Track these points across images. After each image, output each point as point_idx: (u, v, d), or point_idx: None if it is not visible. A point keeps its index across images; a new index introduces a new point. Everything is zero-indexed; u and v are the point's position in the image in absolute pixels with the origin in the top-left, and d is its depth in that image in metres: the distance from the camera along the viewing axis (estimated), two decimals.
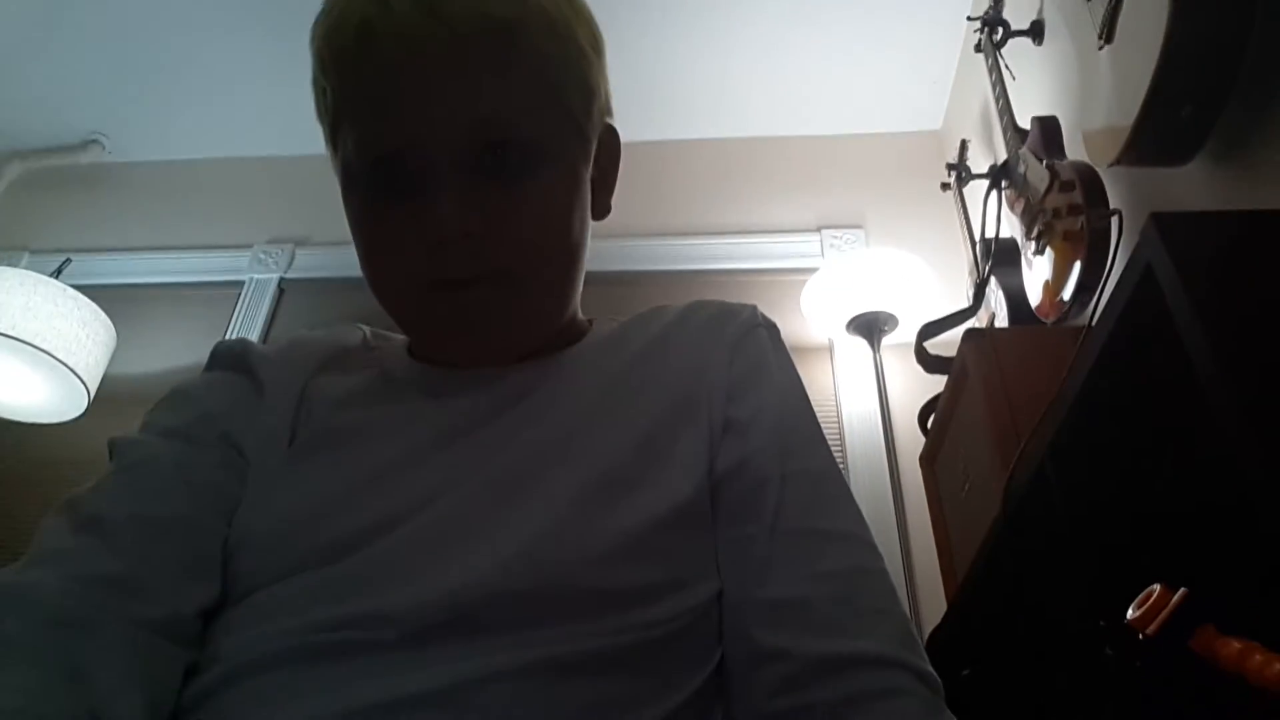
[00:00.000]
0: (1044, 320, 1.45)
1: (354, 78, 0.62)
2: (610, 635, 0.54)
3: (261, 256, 2.56)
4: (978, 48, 1.89)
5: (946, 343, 1.67)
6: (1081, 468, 0.98)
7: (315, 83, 0.66)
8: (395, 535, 0.57)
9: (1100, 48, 1.25)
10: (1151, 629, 0.72)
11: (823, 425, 0.69)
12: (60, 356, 2.04)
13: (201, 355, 0.74)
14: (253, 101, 2.62)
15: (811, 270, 2.19)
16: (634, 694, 0.53)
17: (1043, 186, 1.47)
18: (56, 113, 2.70)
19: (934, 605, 1.72)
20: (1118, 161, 1.18)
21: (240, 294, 2.49)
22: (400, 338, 0.77)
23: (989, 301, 1.78)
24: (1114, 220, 1.23)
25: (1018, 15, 1.82)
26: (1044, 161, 1.49)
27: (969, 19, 1.94)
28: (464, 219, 0.60)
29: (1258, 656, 0.64)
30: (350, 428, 0.66)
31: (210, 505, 0.62)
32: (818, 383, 2.14)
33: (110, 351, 2.22)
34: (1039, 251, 1.47)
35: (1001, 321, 1.72)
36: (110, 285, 2.44)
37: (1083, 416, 0.96)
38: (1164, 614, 0.71)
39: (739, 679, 0.58)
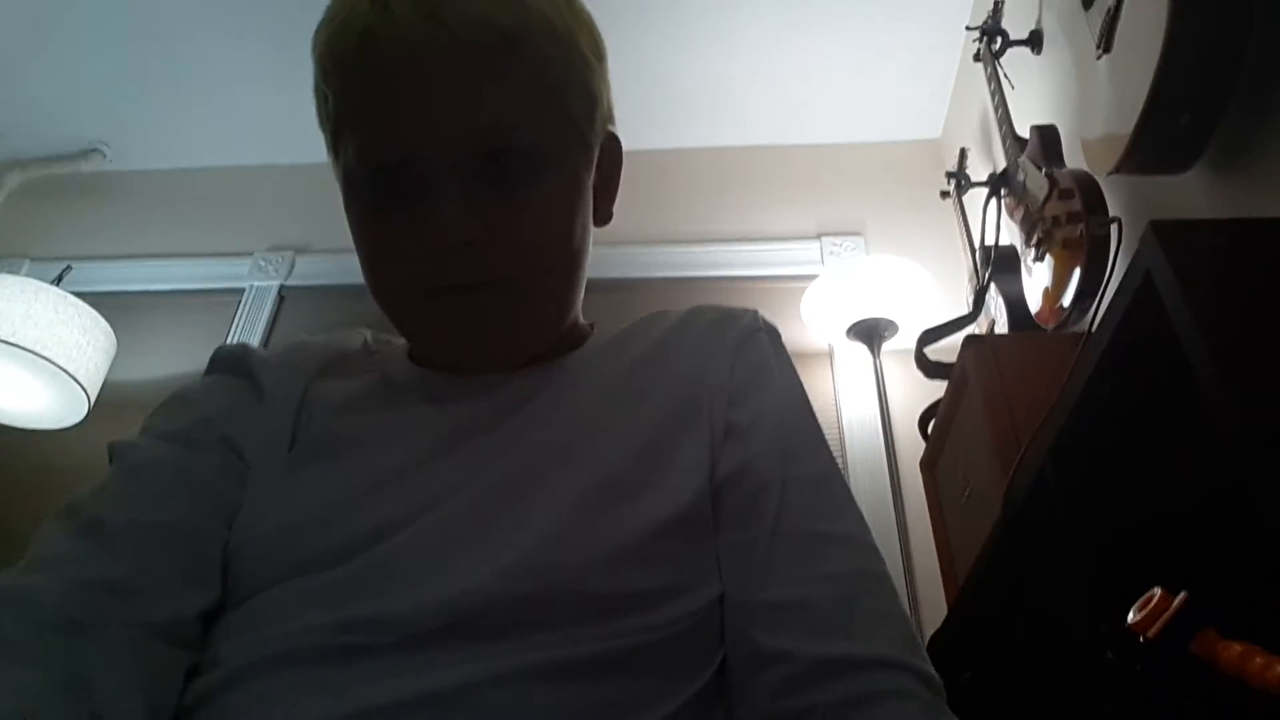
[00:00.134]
0: (1044, 327, 1.46)
1: (356, 85, 0.63)
2: (612, 639, 0.54)
3: (261, 264, 2.57)
4: (977, 57, 1.89)
5: (947, 349, 1.68)
6: (1081, 473, 0.98)
7: (317, 89, 0.66)
8: (396, 540, 0.57)
9: (1099, 57, 1.26)
10: (1152, 632, 0.72)
11: (823, 431, 0.69)
12: (61, 363, 2.04)
13: (202, 362, 0.74)
14: (253, 110, 2.62)
15: (811, 277, 2.19)
16: (635, 697, 0.53)
17: (1042, 194, 1.47)
18: (57, 122, 2.71)
19: (935, 609, 1.72)
20: (1117, 170, 1.18)
21: (240, 301, 2.49)
22: (401, 342, 0.77)
23: (989, 308, 1.78)
24: (1113, 228, 1.24)
25: (1016, 25, 1.83)
26: (1043, 170, 1.49)
27: (968, 28, 1.95)
28: (466, 226, 0.60)
29: (1259, 659, 0.64)
30: (351, 433, 0.66)
31: (210, 509, 0.62)
32: (818, 389, 2.14)
33: (110, 358, 2.22)
34: (1038, 259, 1.48)
35: (1001, 328, 1.72)
36: (111, 292, 2.45)
37: (1082, 422, 0.96)
38: (1165, 617, 0.71)
39: (740, 681, 0.58)
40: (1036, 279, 1.49)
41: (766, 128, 2.61)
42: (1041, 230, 1.47)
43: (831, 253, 2.40)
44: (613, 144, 0.74)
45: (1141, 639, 0.73)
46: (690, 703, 0.55)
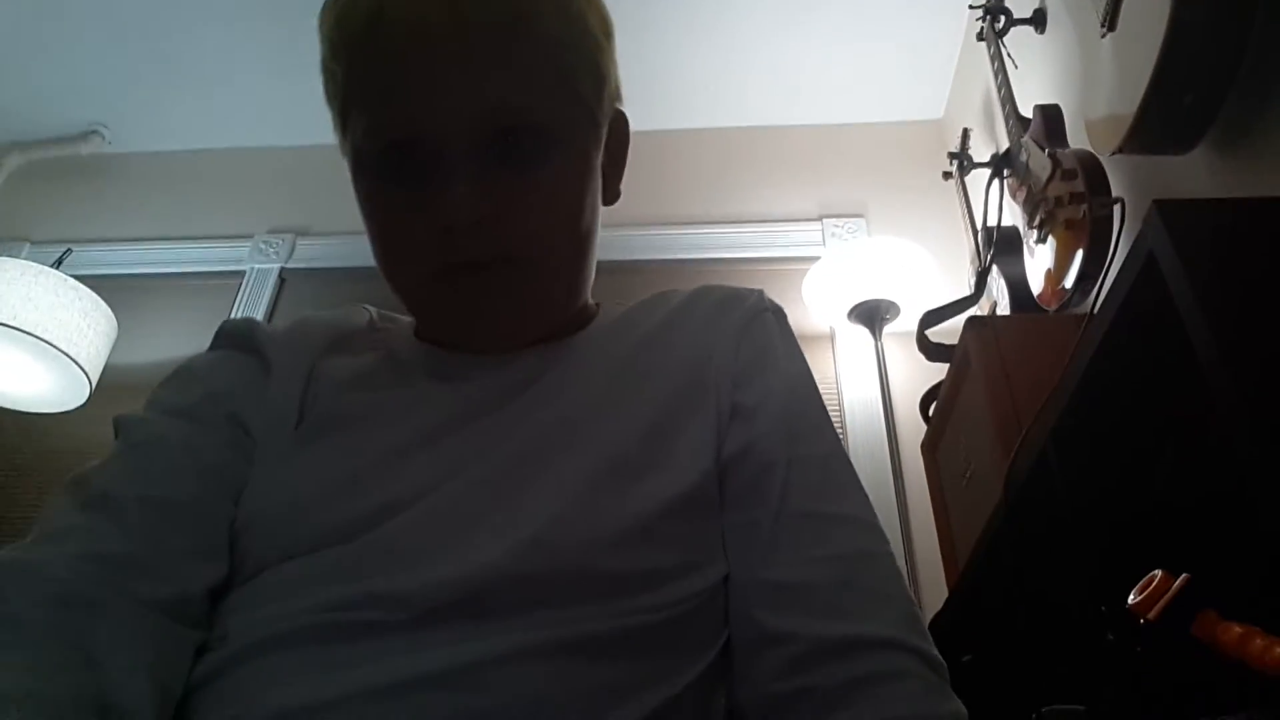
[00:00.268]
0: (1046, 308, 1.45)
1: (364, 63, 0.62)
2: (618, 618, 0.54)
3: (262, 246, 2.56)
4: (980, 36, 1.88)
5: (948, 331, 1.68)
6: (1083, 455, 0.98)
7: (324, 67, 0.66)
8: (403, 518, 0.57)
9: (1103, 35, 1.25)
10: (1153, 614, 0.72)
11: (828, 412, 0.69)
12: (62, 346, 2.04)
13: (203, 345, 0.74)
14: (253, 92, 2.62)
15: (813, 259, 2.19)
16: (641, 676, 0.54)
17: (1045, 175, 1.47)
18: (57, 104, 2.70)
19: (935, 592, 1.73)
20: (1120, 150, 1.18)
21: (241, 284, 2.49)
22: (407, 319, 0.77)
23: (991, 290, 1.78)
24: (1116, 208, 1.23)
25: (1020, 3, 1.82)
26: (1046, 150, 1.49)
27: (971, 7, 1.93)
28: (476, 205, 0.60)
29: (1258, 641, 0.64)
30: (358, 410, 0.66)
31: (217, 485, 0.62)
32: (819, 371, 2.13)
33: (111, 341, 2.22)
34: (1041, 240, 1.47)
35: (1003, 310, 1.72)
36: (111, 275, 2.45)
37: (1084, 404, 0.96)
38: (1165, 599, 0.71)
39: (743, 661, 0.58)
40: (1039, 260, 1.48)
41: (768, 109, 2.59)
42: (1044, 211, 1.46)
43: (833, 234, 2.39)
44: (621, 122, 0.74)
45: (1142, 621, 0.73)
46: (694, 683, 0.55)
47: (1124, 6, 1.20)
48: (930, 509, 1.68)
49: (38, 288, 2.06)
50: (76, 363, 2.07)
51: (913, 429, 1.93)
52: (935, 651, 0.55)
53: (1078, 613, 0.97)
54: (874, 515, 0.63)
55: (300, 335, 0.72)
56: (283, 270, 2.53)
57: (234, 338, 0.72)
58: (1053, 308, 1.42)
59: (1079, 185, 1.34)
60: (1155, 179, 1.32)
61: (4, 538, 2.12)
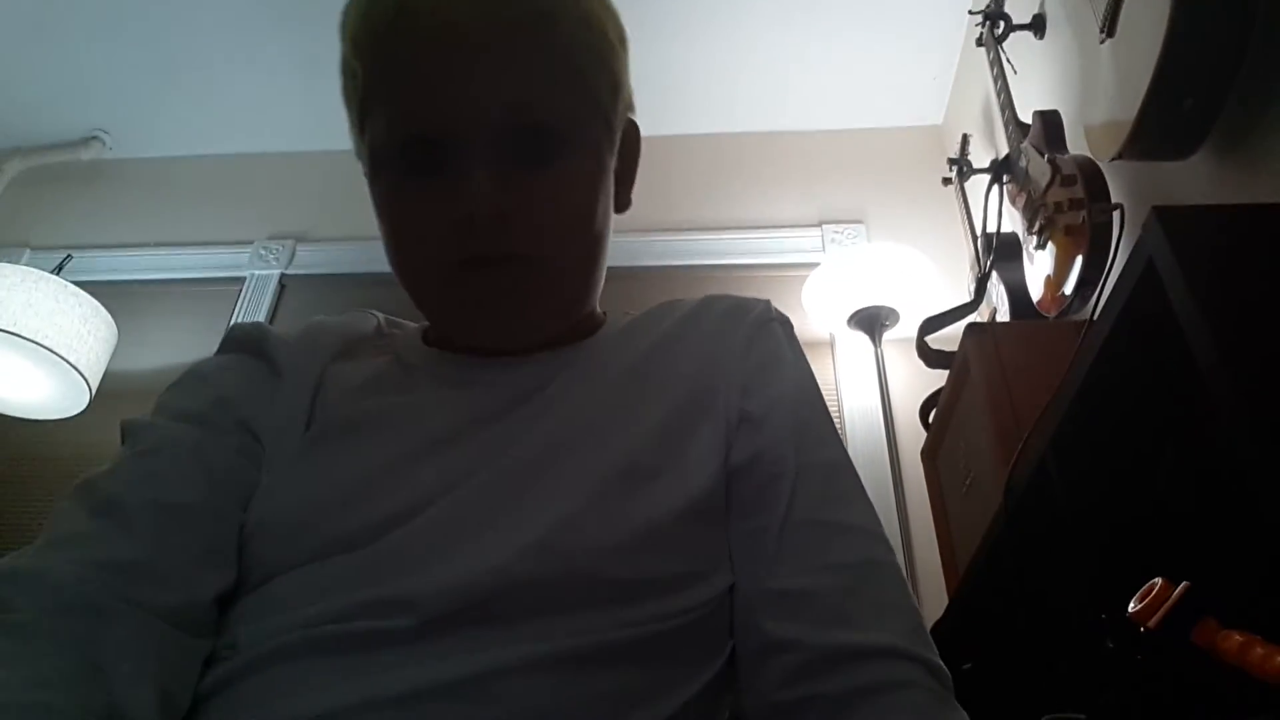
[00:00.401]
0: (1045, 315, 1.45)
1: (388, 58, 0.63)
2: (626, 627, 0.54)
3: (262, 252, 2.56)
4: (979, 42, 1.88)
5: (948, 337, 1.67)
6: (1083, 462, 0.98)
7: (345, 67, 0.66)
8: (411, 525, 0.57)
9: (1102, 41, 1.25)
10: (1153, 622, 0.71)
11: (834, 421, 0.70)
12: (61, 353, 2.04)
13: (203, 351, 0.73)
14: (254, 98, 2.62)
15: (813, 265, 2.19)
16: (649, 686, 0.54)
17: (1044, 181, 1.47)
18: (57, 109, 2.70)
19: (935, 599, 1.72)
20: (1119, 155, 1.18)
21: (241, 290, 2.49)
22: (414, 325, 0.77)
23: (990, 296, 1.78)
24: (1116, 214, 1.23)
25: (1019, 9, 1.82)
26: (1045, 156, 1.48)
27: (970, 13, 1.94)
28: (495, 194, 0.60)
29: (1259, 649, 0.64)
30: (368, 416, 0.66)
31: (227, 491, 0.62)
32: (819, 378, 2.09)
33: (111, 348, 2.22)
34: (1040, 246, 1.47)
35: (1003, 316, 1.72)
36: (111, 281, 2.45)
37: (1084, 411, 0.96)
38: (1166, 607, 0.71)
39: (749, 669, 0.58)
40: (1038, 266, 1.48)
41: (767, 114, 2.59)
42: (1044, 217, 1.46)
43: (833, 240, 2.39)
44: (633, 131, 0.74)
45: (1142, 628, 0.73)
46: (702, 693, 0.56)
47: (1123, 12, 1.20)
48: (930, 516, 1.68)
49: (38, 294, 2.06)
50: (76, 369, 2.07)
51: (912, 436, 1.92)
52: (940, 661, 0.55)
53: (1078, 620, 0.96)
54: (879, 524, 0.63)
55: (311, 341, 0.72)
56: (283, 276, 2.52)
57: (244, 342, 0.72)
58: (1052, 314, 1.42)
59: (1078, 191, 1.34)
60: (1155, 185, 1.32)
61: (3, 544, 2.12)
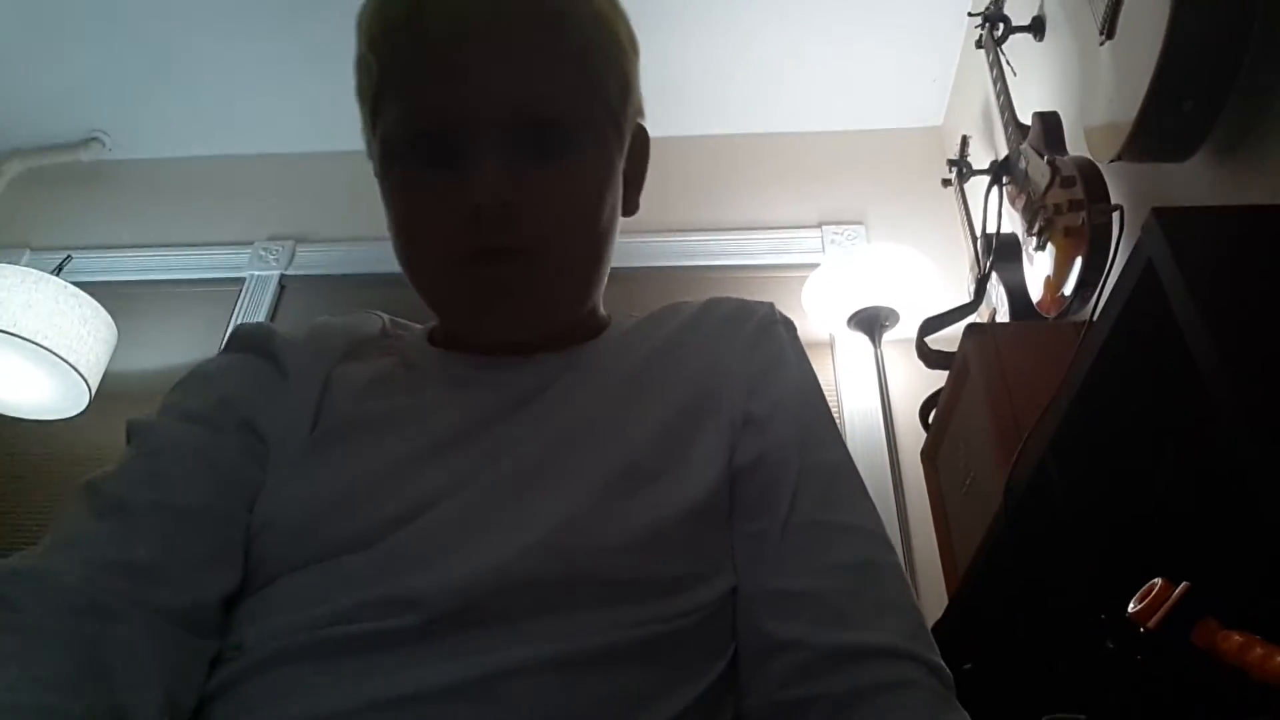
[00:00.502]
0: (1045, 316, 1.45)
1: (403, 51, 0.63)
2: (629, 628, 0.54)
3: (262, 253, 2.56)
4: (979, 44, 1.88)
5: (948, 338, 1.67)
6: (1083, 462, 0.98)
7: (360, 62, 0.67)
8: (416, 525, 0.57)
9: (1102, 43, 1.25)
10: (1153, 622, 0.72)
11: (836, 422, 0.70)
12: (61, 353, 2.04)
13: (203, 352, 0.74)
14: (254, 99, 2.62)
15: (813, 266, 2.19)
16: (653, 687, 0.54)
17: (1044, 182, 1.47)
18: (57, 110, 2.70)
19: (935, 599, 1.72)
20: (1119, 157, 1.18)
21: (241, 291, 2.49)
22: (419, 326, 0.77)
23: (990, 297, 1.78)
24: (1115, 216, 1.23)
25: (1019, 11, 1.82)
26: (1045, 157, 1.49)
27: (970, 15, 1.94)
28: (505, 186, 0.61)
29: (1259, 650, 0.64)
30: (373, 416, 0.66)
31: (232, 492, 0.62)
32: (819, 378, 2.13)
33: (111, 348, 2.22)
34: (1040, 247, 1.47)
35: (1003, 317, 1.72)
36: (111, 282, 2.45)
37: (1084, 412, 0.96)
38: (1165, 608, 0.71)
39: (750, 670, 0.58)
40: (1038, 267, 1.48)
41: (767, 116, 2.59)
42: (1043, 218, 1.46)
43: (833, 241, 2.39)
44: (642, 135, 0.75)
45: (1142, 629, 0.73)
46: (704, 694, 0.56)
47: (1123, 14, 1.20)
48: (930, 517, 1.68)
49: (38, 294, 2.06)
50: (76, 370, 2.07)
51: (912, 436, 1.92)
52: (941, 662, 0.56)
53: (1078, 621, 0.96)
54: (882, 525, 0.63)
55: (317, 342, 0.72)
56: (282, 277, 2.52)
57: (250, 342, 0.72)
58: (1052, 315, 1.42)
59: (1078, 192, 1.34)
60: (1154, 186, 1.32)
61: (3, 544, 2.12)
